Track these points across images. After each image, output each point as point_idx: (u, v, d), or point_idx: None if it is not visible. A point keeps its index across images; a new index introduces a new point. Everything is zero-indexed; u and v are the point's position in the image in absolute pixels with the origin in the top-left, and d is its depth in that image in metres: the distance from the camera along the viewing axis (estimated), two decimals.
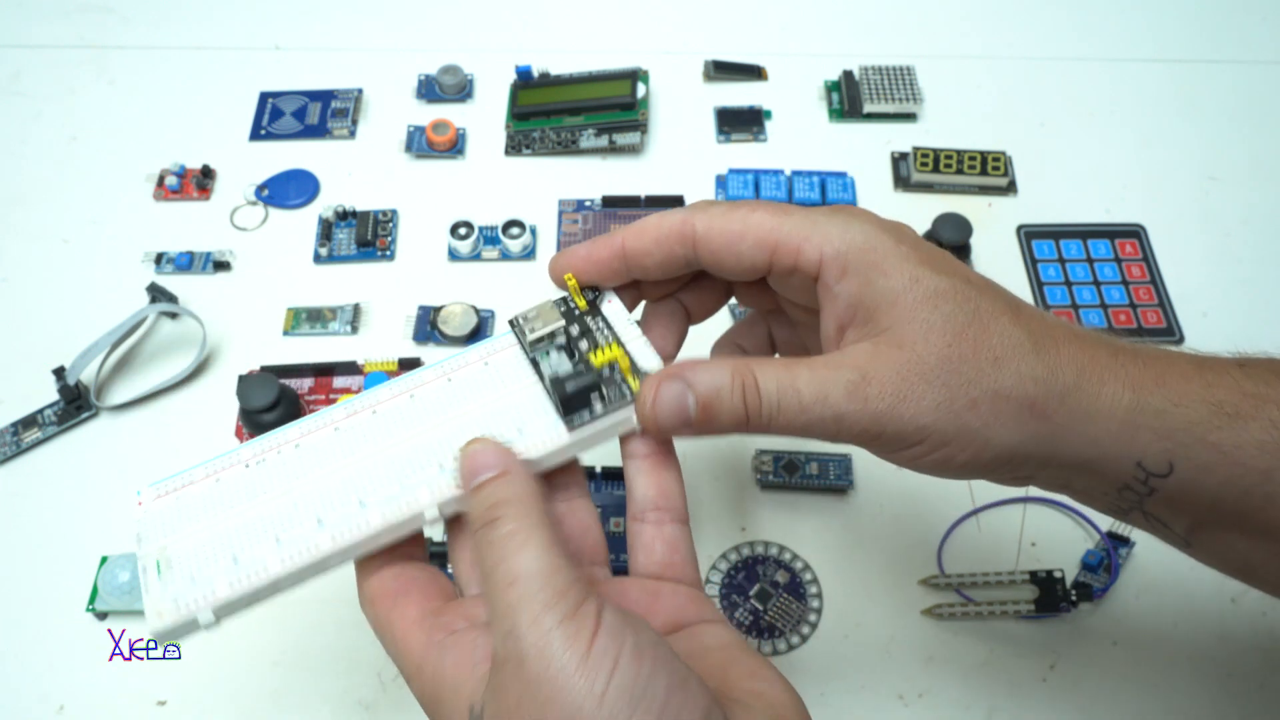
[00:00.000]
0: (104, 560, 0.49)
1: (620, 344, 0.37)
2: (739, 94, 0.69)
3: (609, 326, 0.38)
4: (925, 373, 0.32)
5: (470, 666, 0.30)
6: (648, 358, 0.36)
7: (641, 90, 0.64)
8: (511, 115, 0.65)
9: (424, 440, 0.35)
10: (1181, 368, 0.33)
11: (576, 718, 0.27)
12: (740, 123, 0.67)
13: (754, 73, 0.69)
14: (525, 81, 0.66)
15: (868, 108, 0.67)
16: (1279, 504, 0.32)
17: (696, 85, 0.69)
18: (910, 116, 0.67)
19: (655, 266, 0.36)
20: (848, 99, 0.67)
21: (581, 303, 0.39)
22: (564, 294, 0.39)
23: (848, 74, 0.68)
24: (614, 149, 0.65)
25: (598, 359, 0.36)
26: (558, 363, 0.37)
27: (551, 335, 0.38)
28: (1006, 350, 0.32)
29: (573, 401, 0.35)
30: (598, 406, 0.35)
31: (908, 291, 0.32)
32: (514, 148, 0.65)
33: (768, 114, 0.67)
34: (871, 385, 0.32)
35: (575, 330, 0.38)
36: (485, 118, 0.67)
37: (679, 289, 0.39)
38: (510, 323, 0.39)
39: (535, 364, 0.36)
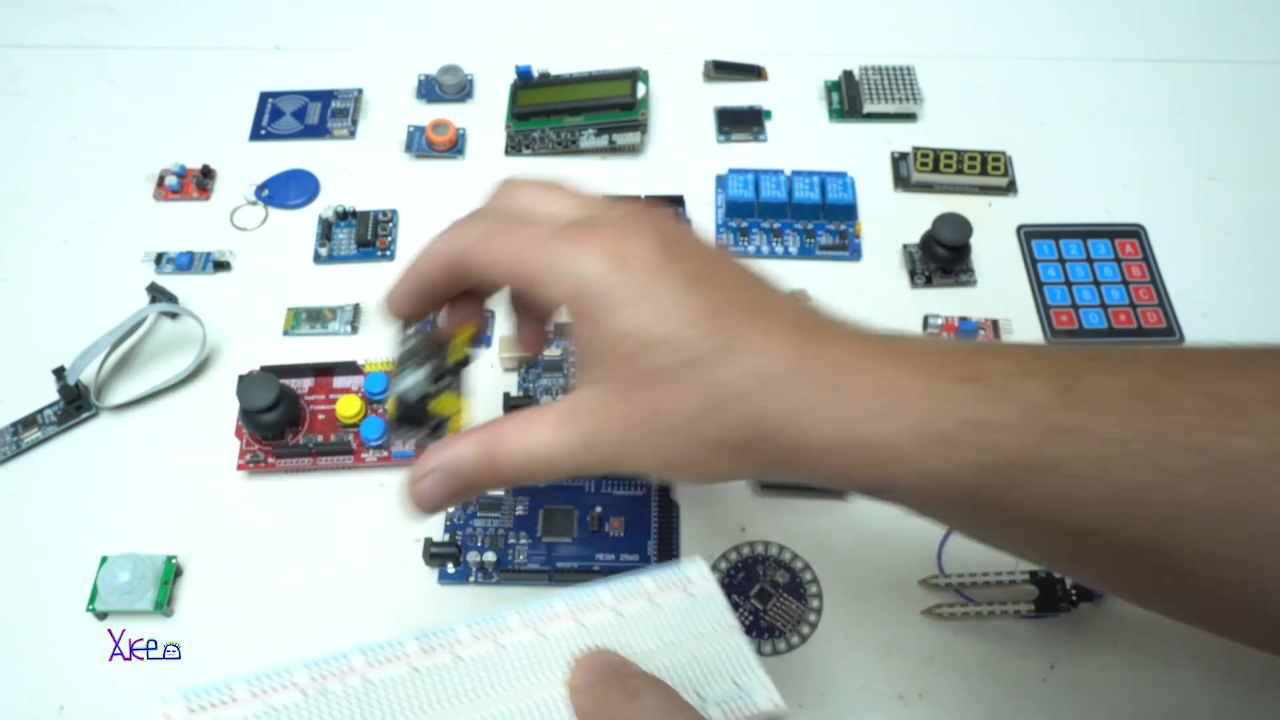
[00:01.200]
0: (104, 560, 0.49)
1: (466, 408, 0.40)
2: (739, 94, 0.69)
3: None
4: (644, 424, 0.33)
5: None
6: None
7: (641, 90, 0.64)
8: (511, 115, 0.65)
9: (521, 706, 0.31)
10: (904, 392, 0.32)
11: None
12: (740, 123, 0.67)
13: (754, 73, 0.69)
14: (525, 81, 0.66)
15: (868, 108, 0.67)
16: (988, 515, 0.34)
17: (696, 85, 0.69)
18: (910, 116, 0.67)
19: (449, 291, 0.39)
20: (848, 99, 0.67)
21: (459, 355, 0.41)
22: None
23: (848, 74, 0.68)
24: (614, 149, 0.65)
25: (435, 407, 0.40)
26: (411, 382, 0.39)
27: (413, 355, 0.40)
28: (717, 401, 0.32)
29: (404, 419, 0.39)
30: (416, 439, 0.39)
31: (626, 343, 0.33)
32: (514, 148, 0.65)
33: (768, 114, 0.67)
34: (599, 440, 0.34)
35: (435, 369, 0.40)
36: (485, 118, 0.67)
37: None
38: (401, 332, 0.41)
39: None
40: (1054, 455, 0.31)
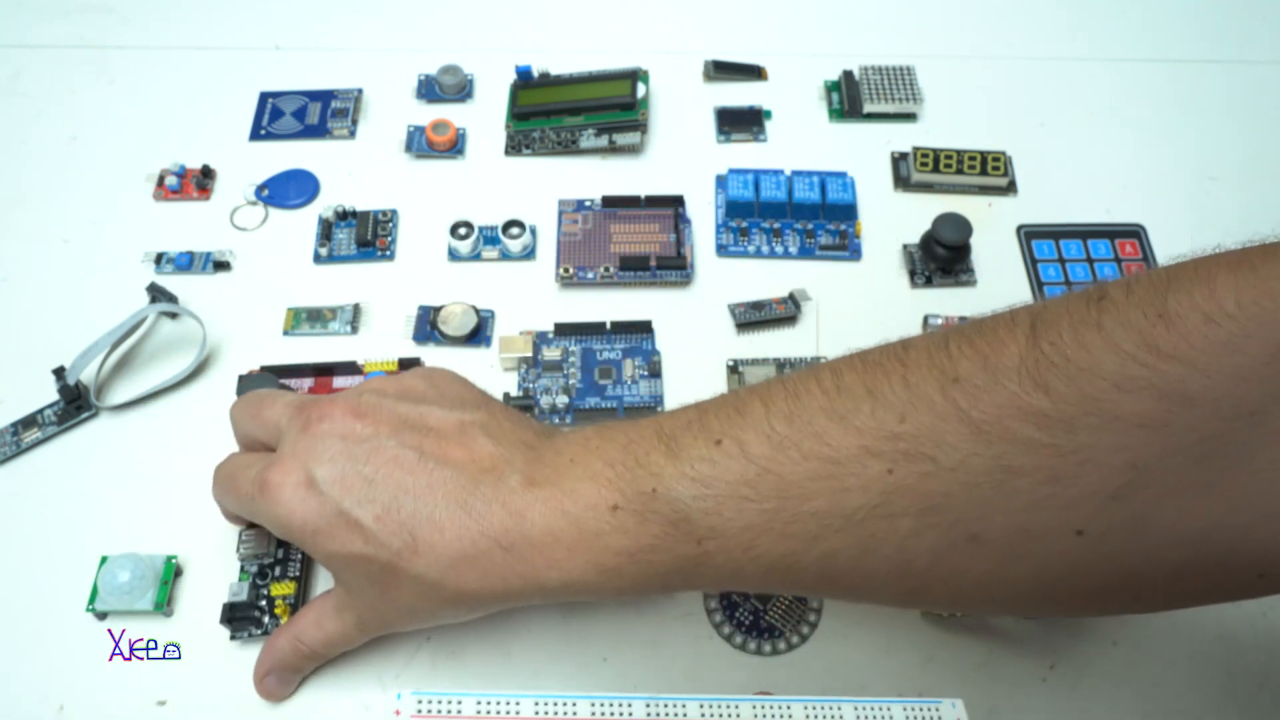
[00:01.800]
0: (104, 560, 0.49)
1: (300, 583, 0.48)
2: (739, 94, 0.69)
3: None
4: (387, 609, 0.42)
5: None
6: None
7: (641, 90, 0.64)
8: (511, 115, 0.65)
9: None
10: (566, 541, 0.38)
11: None
12: (740, 123, 0.67)
13: (754, 73, 0.69)
14: (525, 81, 0.66)
15: (868, 108, 0.67)
16: (685, 590, 0.44)
17: (696, 85, 0.69)
18: (910, 116, 0.67)
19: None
20: (848, 99, 0.67)
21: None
22: None
23: (848, 74, 0.68)
24: (614, 149, 0.65)
25: (276, 589, 0.48)
26: (238, 588, 0.47)
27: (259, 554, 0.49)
28: (420, 590, 0.39)
29: (234, 618, 0.47)
30: (258, 626, 0.47)
31: (330, 566, 0.42)
32: (514, 148, 0.65)
33: (768, 114, 0.67)
34: (367, 620, 0.43)
35: (277, 555, 0.49)
36: (485, 118, 0.67)
37: None
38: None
39: None
40: (706, 554, 0.37)
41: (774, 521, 0.35)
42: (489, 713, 0.33)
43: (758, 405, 0.37)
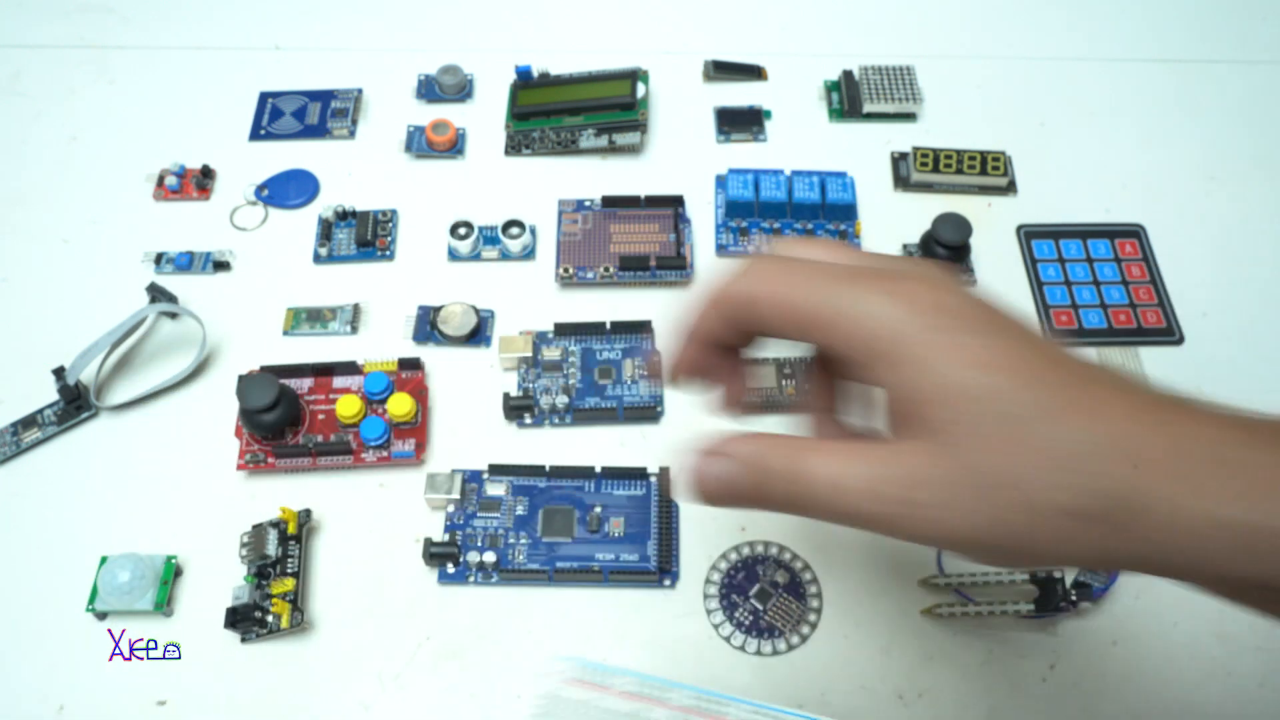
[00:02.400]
0: (103, 560, 0.49)
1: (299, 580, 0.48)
2: (739, 94, 0.69)
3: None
4: (976, 480, 0.29)
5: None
6: None
7: (641, 90, 0.64)
8: (511, 115, 0.65)
9: None
10: (1247, 444, 0.28)
11: None
12: (740, 122, 0.67)
13: (754, 73, 0.69)
14: (525, 81, 0.66)
15: (867, 107, 0.67)
16: None
17: (696, 85, 0.69)
18: (910, 116, 0.67)
19: (733, 339, 0.35)
20: (847, 99, 0.67)
21: (291, 528, 0.49)
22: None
23: (847, 74, 0.68)
24: (614, 149, 0.65)
25: (276, 587, 0.47)
26: (240, 590, 0.48)
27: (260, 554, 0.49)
28: (1074, 458, 0.28)
29: (236, 620, 0.47)
30: (261, 626, 0.47)
31: (952, 391, 0.29)
32: (514, 147, 0.65)
33: (767, 114, 0.67)
34: (922, 490, 0.30)
35: (278, 553, 0.49)
36: (485, 118, 0.67)
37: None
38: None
39: None
40: None
41: None
42: (640, 694, 0.31)
43: None
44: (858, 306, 0.31)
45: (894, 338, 0.30)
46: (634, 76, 0.65)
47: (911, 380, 0.30)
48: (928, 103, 0.68)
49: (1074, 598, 0.48)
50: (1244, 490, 0.27)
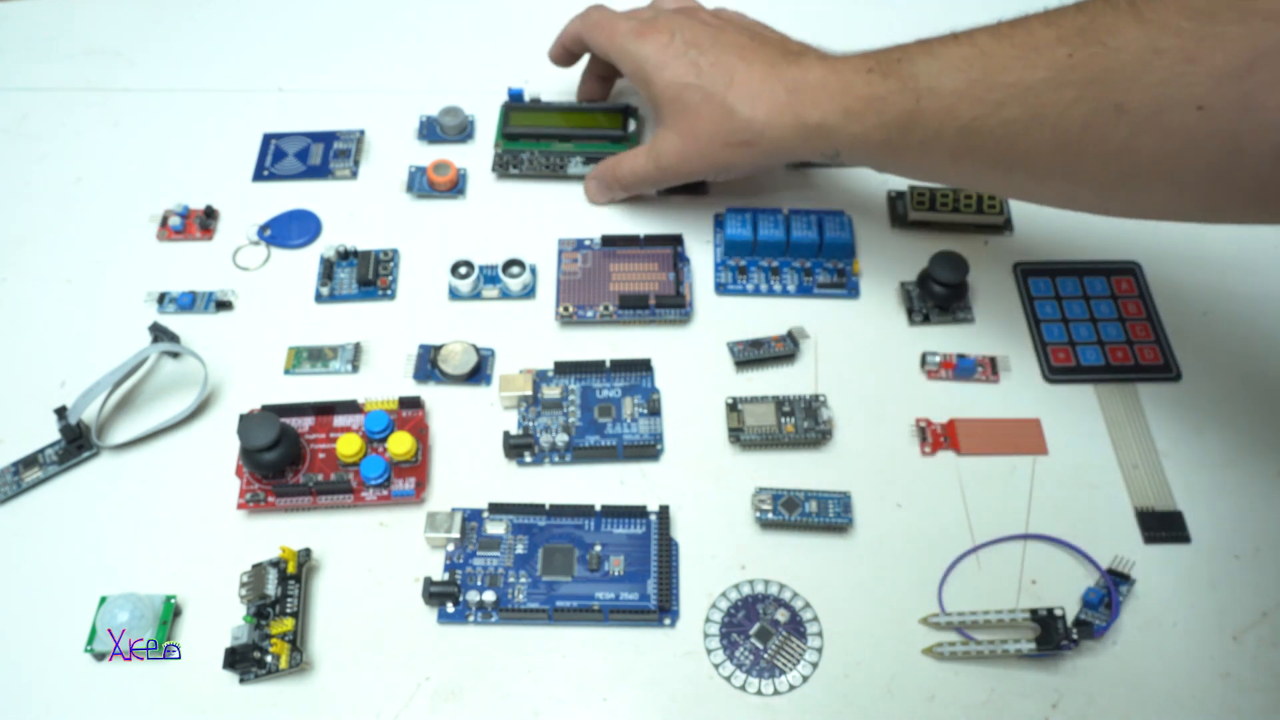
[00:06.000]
0: (103, 600, 0.49)
1: (298, 619, 0.48)
2: None
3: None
4: (687, 142, 0.58)
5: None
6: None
7: (633, 126, 0.66)
8: (501, 134, 0.67)
9: None
10: (828, 88, 0.52)
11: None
12: None
13: None
14: (517, 104, 0.68)
15: None
16: (897, 157, 0.53)
17: None
18: None
19: (577, 50, 0.66)
20: None
21: (291, 568, 0.50)
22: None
23: None
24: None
25: (275, 627, 0.48)
26: (240, 630, 0.48)
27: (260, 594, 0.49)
28: (722, 115, 0.55)
29: (235, 661, 0.47)
30: (260, 666, 0.47)
31: (663, 94, 0.58)
32: (501, 166, 0.66)
33: None
34: (665, 156, 0.59)
35: (277, 593, 0.49)
36: (486, 158, 0.68)
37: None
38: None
39: None
40: (921, 110, 0.49)
41: (975, 88, 0.47)
42: None
43: (988, 26, 0.48)
44: (628, 49, 0.59)
45: (641, 66, 0.59)
46: (626, 111, 0.66)
47: (650, 89, 0.59)
48: None
49: (1075, 636, 0.48)
50: (800, 105, 0.53)
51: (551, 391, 0.56)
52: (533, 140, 0.67)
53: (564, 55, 0.66)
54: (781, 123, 0.53)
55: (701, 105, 0.56)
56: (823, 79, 0.53)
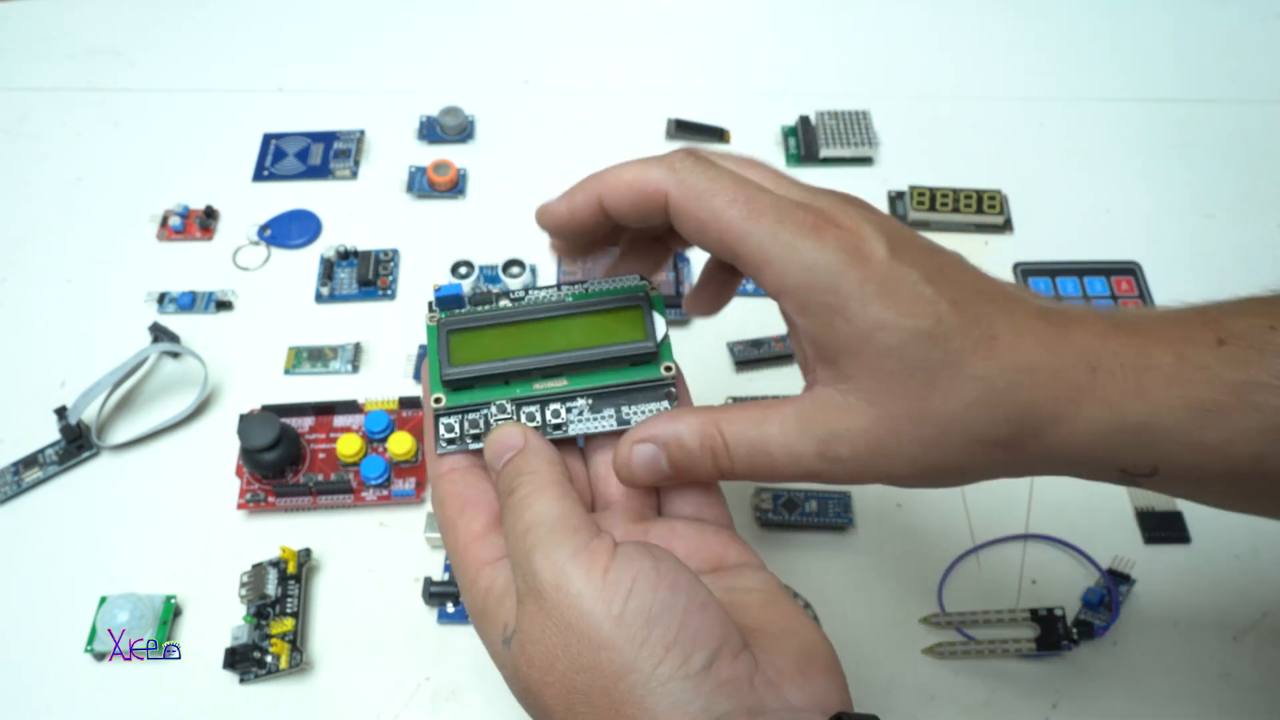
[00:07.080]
0: (103, 600, 0.49)
1: (298, 619, 0.48)
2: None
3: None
4: (896, 429, 0.32)
5: (515, 591, 0.32)
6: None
7: (661, 327, 0.37)
8: (439, 377, 0.36)
9: None
10: (1162, 368, 0.32)
11: (596, 638, 0.28)
12: None
13: (717, 135, 0.68)
14: (458, 314, 0.37)
15: (824, 152, 0.67)
16: (1271, 479, 0.32)
17: (659, 143, 0.69)
18: (866, 160, 0.67)
19: (629, 218, 0.35)
20: (804, 143, 0.67)
21: (291, 568, 0.49)
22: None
23: (804, 119, 0.68)
24: None
25: (275, 627, 0.47)
26: (239, 630, 0.48)
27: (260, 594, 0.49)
28: (978, 395, 0.31)
29: (235, 661, 0.47)
30: (260, 666, 0.47)
31: (871, 340, 0.31)
32: (449, 440, 0.36)
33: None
34: (842, 445, 0.32)
35: (277, 593, 0.49)
36: (486, 158, 0.68)
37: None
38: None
39: None
40: None
41: None
42: None
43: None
44: (789, 251, 0.32)
45: (819, 288, 0.31)
46: (643, 299, 0.37)
47: (838, 328, 0.32)
48: (885, 146, 0.68)
49: (1076, 636, 0.48)
50: (1110, 400, 0.31)
51: None
52: (496, 384, 0.36)
53: (582, 221, 0.35)
54: (1087, 418, 0.32)
55: (940, 371, 0.31)
56: (1142, 352, 0.32)
